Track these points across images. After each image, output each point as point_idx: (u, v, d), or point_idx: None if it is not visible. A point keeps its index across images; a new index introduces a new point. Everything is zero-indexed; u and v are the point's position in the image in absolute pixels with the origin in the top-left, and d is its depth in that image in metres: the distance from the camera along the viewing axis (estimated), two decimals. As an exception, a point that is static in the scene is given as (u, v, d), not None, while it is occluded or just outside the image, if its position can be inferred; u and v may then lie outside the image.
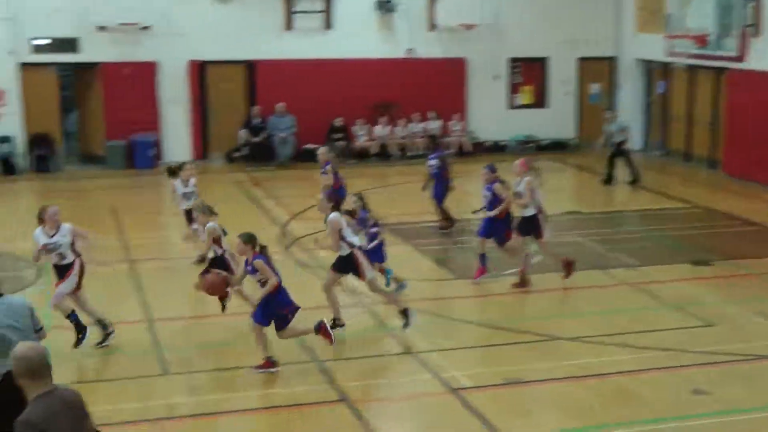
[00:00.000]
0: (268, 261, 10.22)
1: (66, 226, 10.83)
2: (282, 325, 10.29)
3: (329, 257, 11.98)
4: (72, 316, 10.94)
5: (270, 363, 10.23)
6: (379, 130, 24.54)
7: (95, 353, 10.99)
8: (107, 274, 13.74)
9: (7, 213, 18.93)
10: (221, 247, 11.57)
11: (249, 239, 10.20)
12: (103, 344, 11.03)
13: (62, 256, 10.81)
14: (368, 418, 9.30)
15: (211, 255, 11.60)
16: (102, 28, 22.83)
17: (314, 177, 17.84)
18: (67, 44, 23.02)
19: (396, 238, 15.60)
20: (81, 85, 24.34)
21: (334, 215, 11.29)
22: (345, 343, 11.23)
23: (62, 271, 10.88)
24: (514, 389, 10.01)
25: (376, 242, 12.67)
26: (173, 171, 14.93)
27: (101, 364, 10.78)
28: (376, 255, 12.54)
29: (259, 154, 23.83)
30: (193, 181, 14.89)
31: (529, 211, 13.21)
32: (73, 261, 10.89)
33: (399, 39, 24.75)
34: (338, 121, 24.20)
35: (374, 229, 12.73)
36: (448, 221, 16.72)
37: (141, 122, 23.46)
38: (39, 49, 22.88)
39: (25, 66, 22.74)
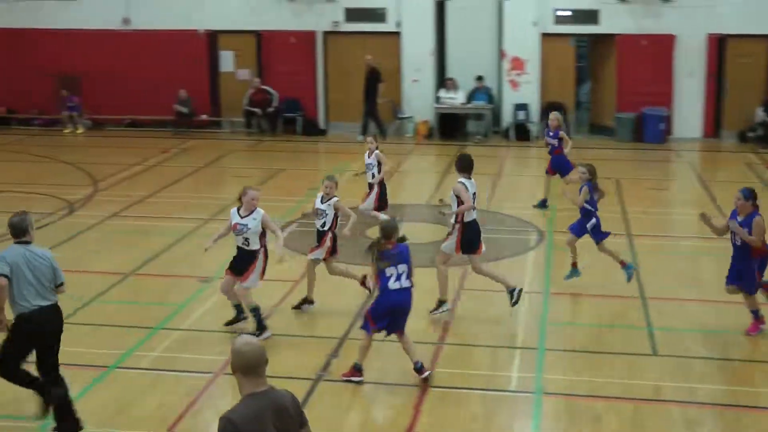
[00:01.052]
0: None
1: (259, 211, 10.31)
2: None
3: None
4: (256, 311, 10.50)
5: None
6: None
7: (595, 327, 11.16)
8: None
9: (517, 178, 19.90)
10: None
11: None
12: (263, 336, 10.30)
13: (247, 241, 10.34)
14: None
15: None
16: (623, 1, 22.90)
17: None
18: (588, 16, 23.43)
19: None
20: (596, 56, 24.68)
21: None
22: None
23: (246, 258, 10.41)
24: None
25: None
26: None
27: (589, 335, 10.92)
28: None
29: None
30: (374, 154, 14.45)
31: None
32: (257, 251, 10.39)
33: None
34: None
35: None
36: None
37: (653, 95, 23.20)
38: (560, 20, 23.59)
39: (546, 36, 23.58)
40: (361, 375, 9.38)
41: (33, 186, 18.19)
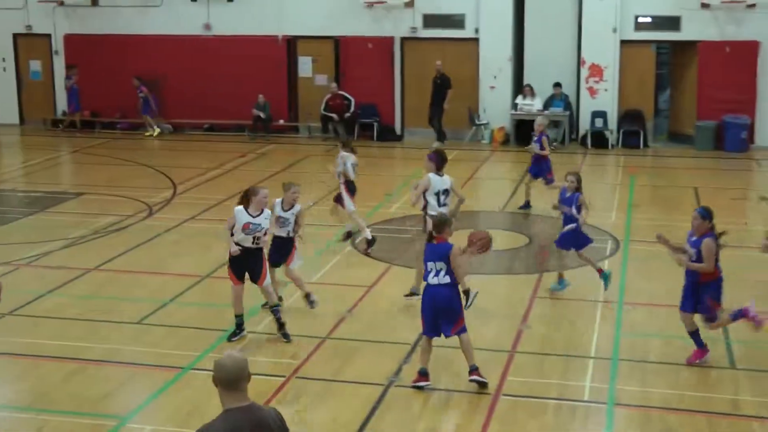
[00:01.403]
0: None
1: (268, 211, 10.57)
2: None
3: None
4: (275, 310, 10.77)
5: None
6: None
7: (669, 338, 11.00)
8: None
9: (594, 186, 19.67)
10: None
11: None
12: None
13: (257, 241, 10.47)
14: None
15: None
16: (705, 6, 22.52)
17: None
18: (669, 22, 23.07)
19: None
20: (677, 63, 24.29)
21: None
22: None
23: (256, 256, 10.54)
24: None
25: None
26: (347, 144, 14.66)
27: (664, 347, 10.74)
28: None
29: None
30: (340, 156, 14.33)
31: None
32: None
33: None
34: None
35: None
36: None
37: (735, 103, 22.73)
38: (641, 26, 23.28)
39: (626, 43, 23.29)
40: (427, 379, 9.35)
41: (115, 189, 18.61)
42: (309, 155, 22.72)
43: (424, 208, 11.73)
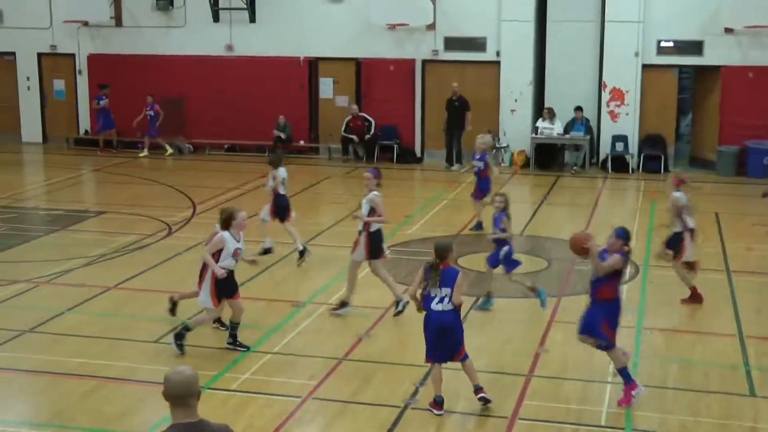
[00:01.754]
0: None
1: (241, 234, 10.76)
2: None
3: None
4: (235, 326, 11.02)
5: None
6: None
7: (681, 360, 10.93)
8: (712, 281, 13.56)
9: (613, 210, 19.63)
10: None
11: None
12: None
13: (235, 265, 10.76)
14: None
15: None
16: (728, 31, 22.49)
17: None
18: (692, 47, 23.04)
19: None
20: (699, 88, 24.24)
21: None
22: None
23: (233, 275, 10.80)
24: None
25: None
26: (276, 161, 15.06)
27: (683, 372, 10.67)
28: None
29: None
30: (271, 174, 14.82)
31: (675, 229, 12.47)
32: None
33: None
34: None
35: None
36: None
37: (758, 128, 22.66)
38: (663, 50, 23.26)
39: (648, 67, 23.27)
40: (440, 408, 9.32)
41: (136, 208, 18.72)
42: (329, 176, 22.78)
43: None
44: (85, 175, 23.71)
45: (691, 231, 12.71)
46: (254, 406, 9.55)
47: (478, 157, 16.81)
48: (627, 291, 13.46)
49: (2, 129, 27.39)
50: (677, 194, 12.71)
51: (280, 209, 14.79)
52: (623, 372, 9.58)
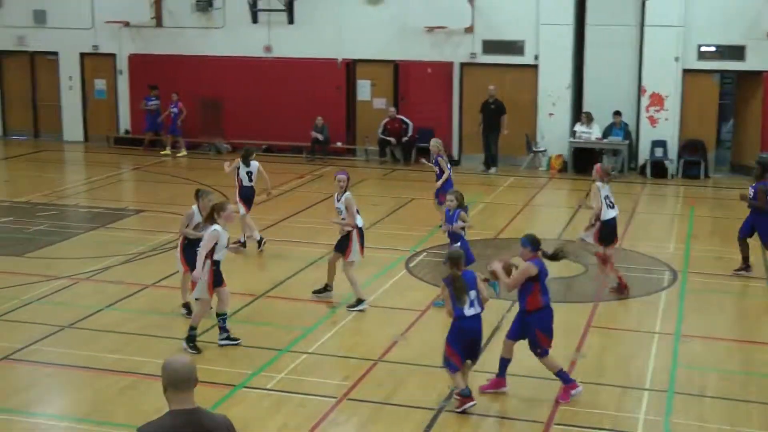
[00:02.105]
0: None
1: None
2: None
3: None
4: (224, 318, 11.27)
5: None
6: None
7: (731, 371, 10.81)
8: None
9: (652, 216, 19.48)
10: None
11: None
12: None
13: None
14: None
15: None
16: (772, 36, 22.27)
17: None
18: (734, 52, 22.80)
19: None
20: (741, 94, 23.97)
21: None
22: None
23: (220, 271, 11.09)
24: None
25: None
26: (246, 156, 15.82)
27: (721, 381, 10.55)
28: None
29: None
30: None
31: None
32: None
33: None
34: None
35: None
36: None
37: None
38: (704, 55, 23.04)
39: (688, 72, 23.06)
40: (472, 399, 9.36)
41: (174, 206, 18.81)
42: (366, 178, 22.79)
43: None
44: (125, 174, 23.92)
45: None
46: (289, 405, 9.58)
47: (434, 160, 16.77)
48: (665, 297, 13.37)
49: (45, 128, 27.76)
50: (598, 184, 13.20)
51: (246, 200, 15.62)
52: (561, 374, 9.70)
